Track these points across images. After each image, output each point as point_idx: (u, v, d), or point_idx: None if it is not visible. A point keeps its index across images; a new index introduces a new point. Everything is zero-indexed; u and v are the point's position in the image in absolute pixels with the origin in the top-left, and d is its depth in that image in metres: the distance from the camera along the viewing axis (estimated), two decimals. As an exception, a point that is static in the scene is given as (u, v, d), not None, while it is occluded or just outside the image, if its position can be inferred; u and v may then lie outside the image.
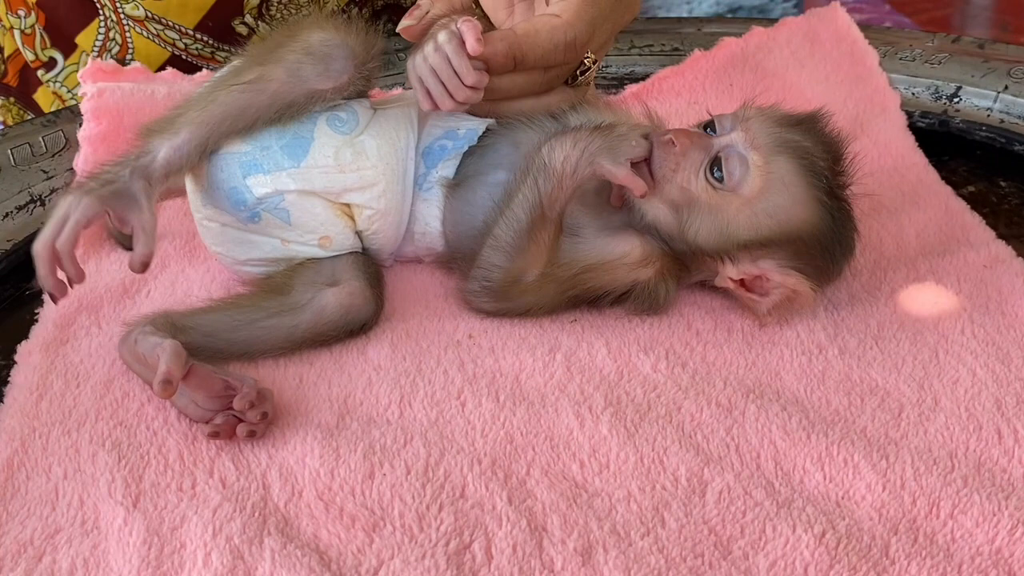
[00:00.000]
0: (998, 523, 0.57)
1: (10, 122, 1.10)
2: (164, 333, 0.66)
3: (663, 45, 1.04)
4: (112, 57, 1.01)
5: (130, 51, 1.01)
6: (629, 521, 0.58)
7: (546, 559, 0.56)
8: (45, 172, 0.86)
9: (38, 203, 0.84)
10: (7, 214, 0.83)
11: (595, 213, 0.73)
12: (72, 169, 0.85)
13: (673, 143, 0.70)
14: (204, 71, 0.95)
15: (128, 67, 0.92)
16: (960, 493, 0.59)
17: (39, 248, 0.66)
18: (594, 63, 0.76)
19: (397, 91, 0.92)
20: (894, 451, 0.62)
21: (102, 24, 0.99)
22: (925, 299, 0.74)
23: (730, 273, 0.71)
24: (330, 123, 0.71)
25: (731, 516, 0.58)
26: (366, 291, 0.72)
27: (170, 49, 1.02)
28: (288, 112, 0.70)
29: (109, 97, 0.87)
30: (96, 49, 1.00)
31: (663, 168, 0.70)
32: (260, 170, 0.70)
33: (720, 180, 0.70)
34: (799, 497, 0.59)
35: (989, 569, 0.55)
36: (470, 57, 0.69)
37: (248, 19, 1.04)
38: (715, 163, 0.70)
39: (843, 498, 0.59)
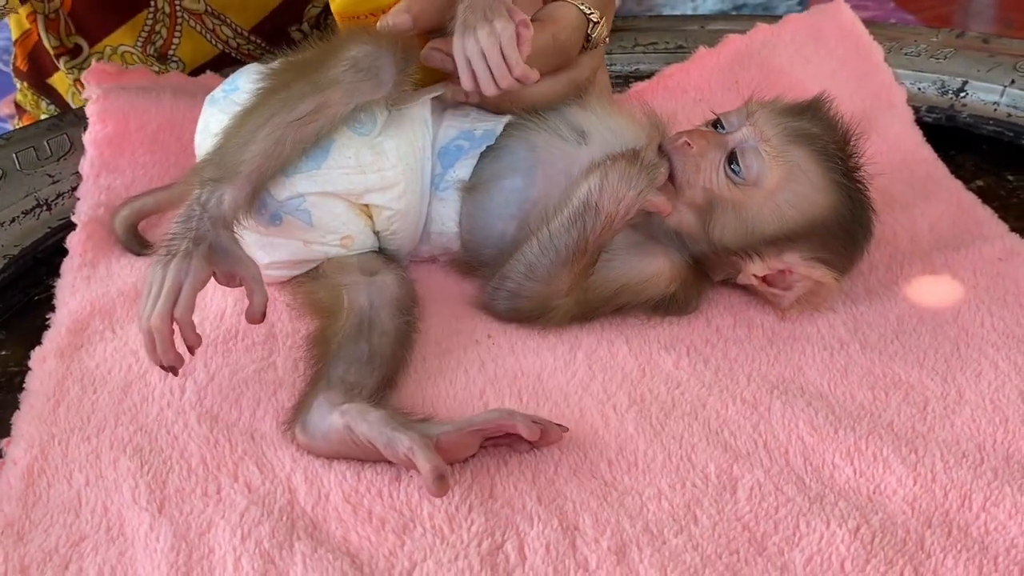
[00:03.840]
0: (1031, 515, 0.57)
1: (27, 106, 1.08)
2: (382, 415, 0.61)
3: (667, 43, 1.04)
4: (155, 50, 0.99)
5: (173, 46, 0.99)
6: (661, 519, 0.58)
7: (580, 558, 0.56)
8: (51, 176, 0.84)
9: (44, 207, 0.83)
10: (14, 219, 0.81)
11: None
12: (78, 173, 0.84)
13: (689, 145, 0.70)
14: (208, 72, 0.94)
15: (132, 68, 0.91)
16: (991, 486, 0.59)
17: (158, 323, 0.62)
18: (600, 18, 0.76)
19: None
20: (922, 444, 0.62)
21: (150, 16, 0.97)
22: (943, 293, 0.74)
23: (755, 270, 0.71)
24: (349, 124, 0.70)
25: (764, 512, 0.58)
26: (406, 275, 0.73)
27: (220, 47, 1.01)
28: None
29: (114, 100, 0.86)
30: (140, 41, 0.98)
31: (685, 173, 0.70)
32: (281, 173, 0.69)
33: (738, 174, 0.70)
34: (830, 492, 0.59)
35: (1025, 561, 0.55)
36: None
37: (304, 27, 1.04)
38: (731, 159, 0.71)
39: (874, 492, 0.59)
